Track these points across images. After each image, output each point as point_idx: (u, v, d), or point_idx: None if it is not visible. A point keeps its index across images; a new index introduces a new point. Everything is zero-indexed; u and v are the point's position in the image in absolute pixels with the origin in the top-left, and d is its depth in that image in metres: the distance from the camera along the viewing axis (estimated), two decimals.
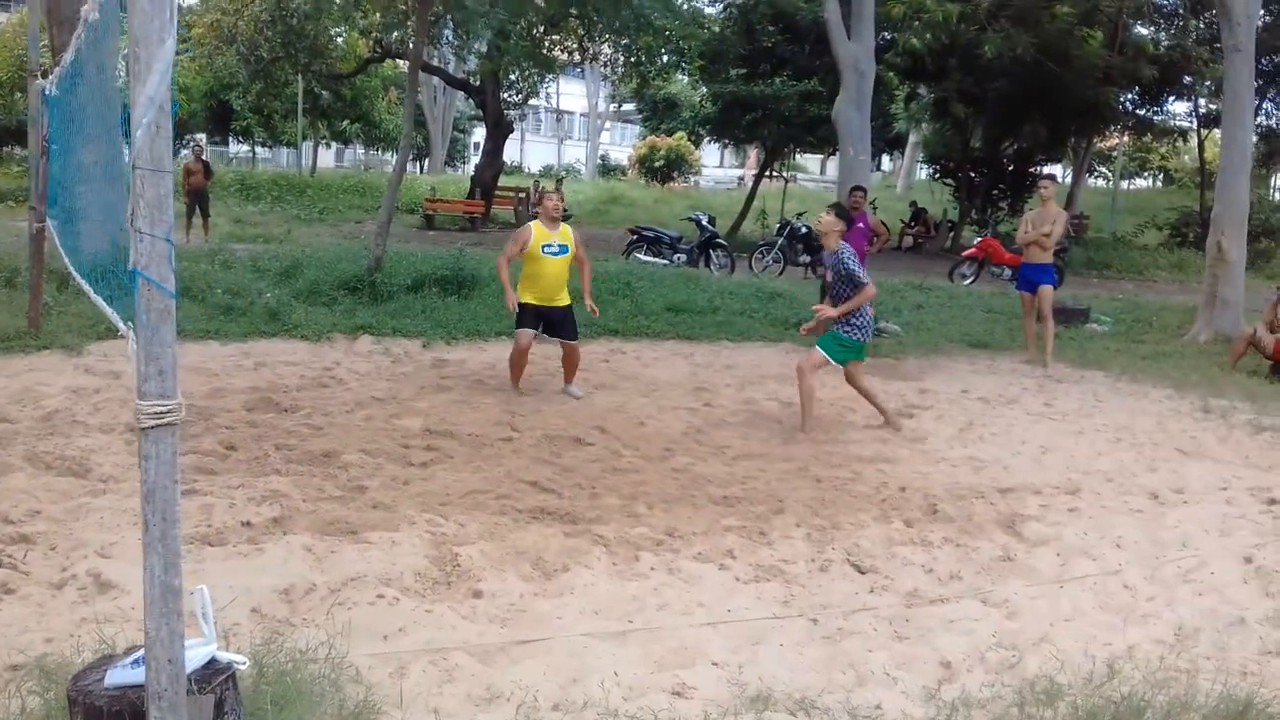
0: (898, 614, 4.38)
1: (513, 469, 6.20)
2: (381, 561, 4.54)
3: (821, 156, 39.11)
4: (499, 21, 12.29)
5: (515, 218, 26.44)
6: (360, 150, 49.86)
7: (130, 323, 3.19)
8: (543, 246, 8.07)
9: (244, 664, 2.57)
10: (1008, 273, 18.45)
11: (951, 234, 26.87)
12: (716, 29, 24.04)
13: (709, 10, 23.11)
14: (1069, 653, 4.02)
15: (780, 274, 18.74)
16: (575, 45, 21.17)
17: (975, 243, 20.57)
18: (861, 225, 11.02)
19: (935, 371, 10.20)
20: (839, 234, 7.46)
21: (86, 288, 5.67)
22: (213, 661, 2.48)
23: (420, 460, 6.34)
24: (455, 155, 50.44)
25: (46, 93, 8.71)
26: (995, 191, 27.00)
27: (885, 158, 43.50)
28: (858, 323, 7.42)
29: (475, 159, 35.53)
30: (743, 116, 24.52)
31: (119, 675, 2.42)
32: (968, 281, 19.14)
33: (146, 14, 2.10)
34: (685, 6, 17.30)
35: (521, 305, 8.14)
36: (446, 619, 4.03)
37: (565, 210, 26.64)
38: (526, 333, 8.18)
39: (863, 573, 4.85)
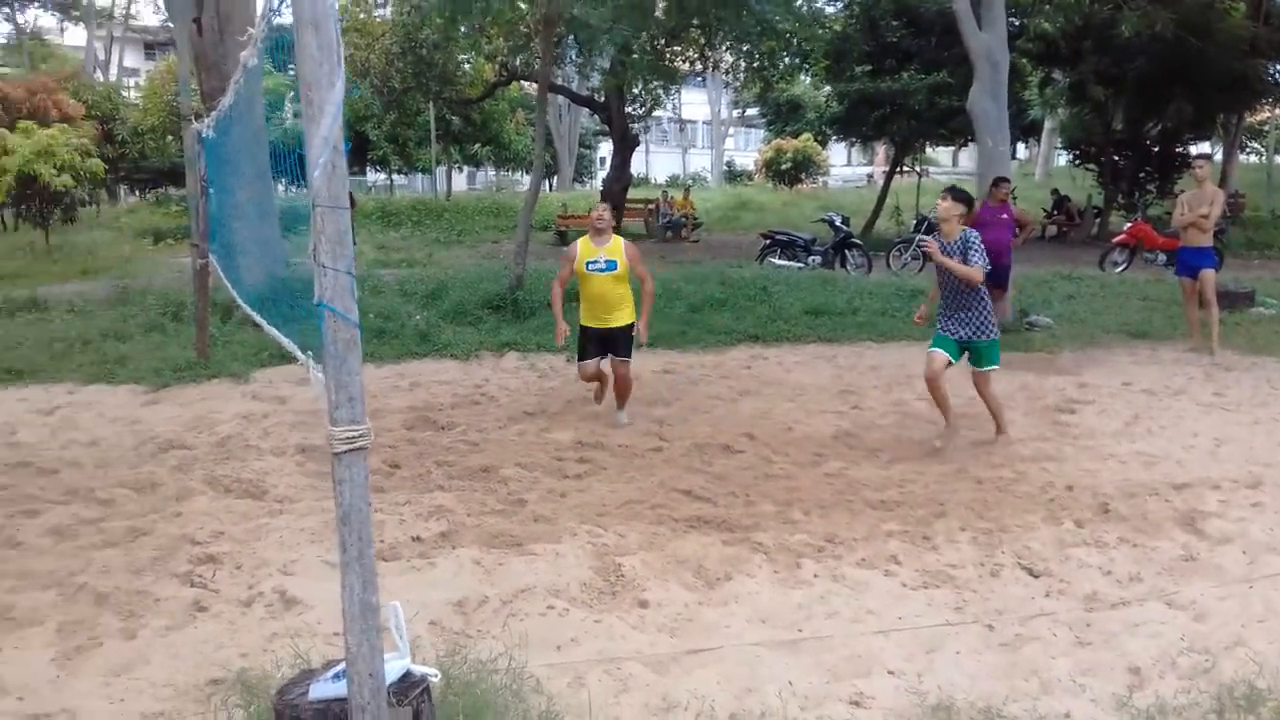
0: (1077, 618, 4.22)
1: (665, 478, 6.22)
2: (548, 573, 4.62)
3: (953, 148, 38.09)
4: (622, 37, 12.37)
5: (646, 229, 26.59)
6: (491, 172, 50.97)
7: (309, 352, 3.34)
8: (587, 264, 7.36)
9: (436, 676, 2.64)
10: (1162, 258, 17.60)
11: (1098, 220, 25.80)
12: (838, 28, 23.72)
13: (829, 10, 22.80)
14: (1266, 655, 3.81)
15: (920, 270, 18.31)
16: (696, 55, 21.20)
17: (1125, 229, 19.65)
18: (1006, 216, 10.70)
19: (1093, 364, 9.80)
20: (960, 219, 6.80)
21: (261, 321, 5.94)
22: (407, 675, 2.56)
23: (575, 473, 6.43)
24: (582, 171, 51.16)
25: (203, 136, 9.17)
26: (1141, 174, 25.82)
27: (1020, 145, 42.12)
28: (993, 320, 6.98)
29: (602, 173, 35.91)
30: (870, 113, 24.12)
31: (321, 689, 2.52)
32: (1120, 269, 18.32)
33: (315, 60, 2.18)
34: (805, 8, 17.08)
35: (582, 329, 7.61)
36: (616, 629, 4.07)
37: (695, 219, 26.84)
38: (585, 367, 7.68)
39: (1036, 576, 4.69)
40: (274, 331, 4.71)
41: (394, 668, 2.50)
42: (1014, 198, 11.50)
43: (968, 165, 42.71)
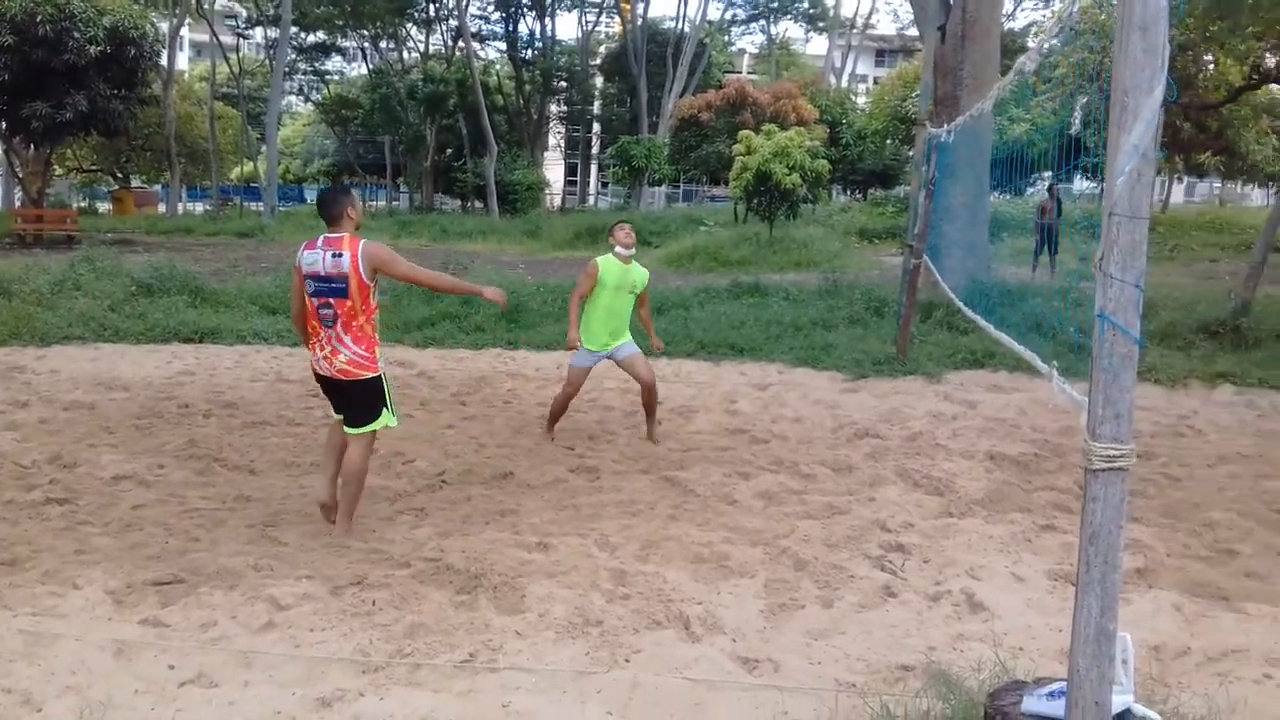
0: None
1: None
2: (1263, 637, 4.09)
3: None
4: None
5: None
6: (1216, 183, 46.13)
7: (1054, 363, 3.29)
8: None
9: None
10: None
11: None
12: None
13: None
14: None
15: None
16: None
17: None
18: None
19: None
20: None
21: (986, 325, 6.00)
22: (1127, 713, 2.43)
23: None
24: None
25: (939, 140, 9.49)
26: None
27: None
28: None
29: None
30: None
31: (1035, 704, 2.49)
32: None
33: (1139, 63, 2.11)
34: None
35: None
36: None
37: None
38: None
39: None
40: (1003, 336, 4.72)
41: (1116, 701, 2.39)
42: None
43: None
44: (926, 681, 3.43)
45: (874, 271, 17.81)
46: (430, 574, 4.61)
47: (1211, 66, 22.19)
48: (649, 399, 7.29)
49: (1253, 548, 5.27)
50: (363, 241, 5.05)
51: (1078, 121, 2.71)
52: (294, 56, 45.69)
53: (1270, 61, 19.65)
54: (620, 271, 7.09)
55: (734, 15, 53.03)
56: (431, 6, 44.79)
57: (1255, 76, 21.50)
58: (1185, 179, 44.38)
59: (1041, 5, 41.29)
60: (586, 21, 49.45)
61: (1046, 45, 3.27)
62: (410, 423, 7.70)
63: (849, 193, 42.53)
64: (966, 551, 5.07)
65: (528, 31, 47.76)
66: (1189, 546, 5.26)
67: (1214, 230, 27.54)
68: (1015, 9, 45.25)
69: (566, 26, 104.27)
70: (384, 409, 5.17)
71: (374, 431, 5.20)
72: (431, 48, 48.59)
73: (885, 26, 57.60)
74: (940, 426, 7.85)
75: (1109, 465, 2.17)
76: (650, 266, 8.50)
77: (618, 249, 7.10)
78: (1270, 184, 35.46)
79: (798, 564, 4.85)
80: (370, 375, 5.10)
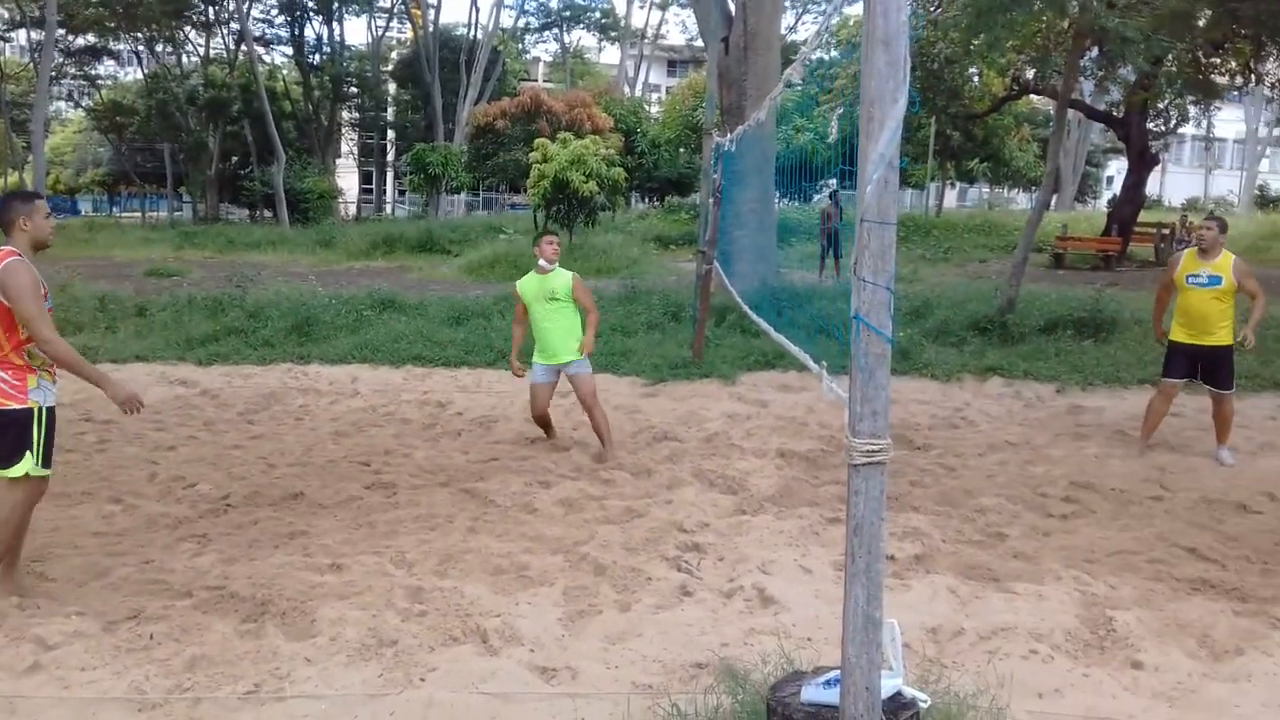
0: None
1: (1165, 531, 5.68)
2: (1029, 614, 4.38)
3: None
4: (1160, 49, 11.36)
5: (1155, 256, 24.38)
6: (985, 188, 49.40)
7: (824, 362, 3.43)
8: (1188, 277, 7.23)
9: (926, 702, 2.60)
10: None
11: None
12: None
13: None
14: None
15: None
16: (1240, 67, 18.98)
17: None
18: None
19: None
20: None
21: (768, 328, 6.21)
22: (898, 695, 2.55)
23: (1060, 512, 6.06)
24: (1085, 190, 47.87)
25: (723, 149, 9.77)
26: None
27: None
28: None
29: (1108, 193, 33.37)
30: None
31: (812, 693, 2.58)
32: None
33: (882, 75, 2.22)
34: None
35: (1172, 344, 7.43)
36: (1106, 686, 3.77)
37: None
38: (1171, 384, 7.49)
39: None
40: (783, 340, 4.90)
41: (886, 685, 2.51)
42: None
43: None
44: (716, 678, 3.51)
45: (671, 277, 18.16)
46: (213, 603, 4.40)
47: (977, 79, 23.72)
48: (589, 418, 7.33)
49: (1020, 530, 5.65)
50: (8, 260, 4.22)
51: (835, 131, 2.84)
52: (61, 60, 42.64)
53: (1029, 74, 21.15)
54: (538, 282, 7.28)
55: (527, 23, 53.09)
56: (211, 9, 42.76)
57: (1015, 87, 23.14)
58: (957, 185, 47.30)
59: (822, 19, 43.14)
60: (376, 27, 48.35)
61: (812, 58, 3.40)
62: (193, 445, 7.33)
63: (646, 200, 43.23)
64: (758, 547, 5.22)
65: (314, 36, 46.29)
66: (963, 532, 5.59)
67: (984, 233, 29.38)
68: (797, 22, 47.20)
69: (356, 31, 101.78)
70: (27, 452, 4.29)
71: (20, 479, 4.32)
72: (213, 52, 46.35)
73: (675, 37, 58.75)
74: (735, 427, 8.06)
75: (869, 460, 2.27)
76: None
77: (541, 262, 7.27)
78: (1032, 188, 38.21)
79: (597, 569, 4.88)
80: (16, 407, 4.28)
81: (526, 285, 7.34)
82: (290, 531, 5.48)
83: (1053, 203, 40.76)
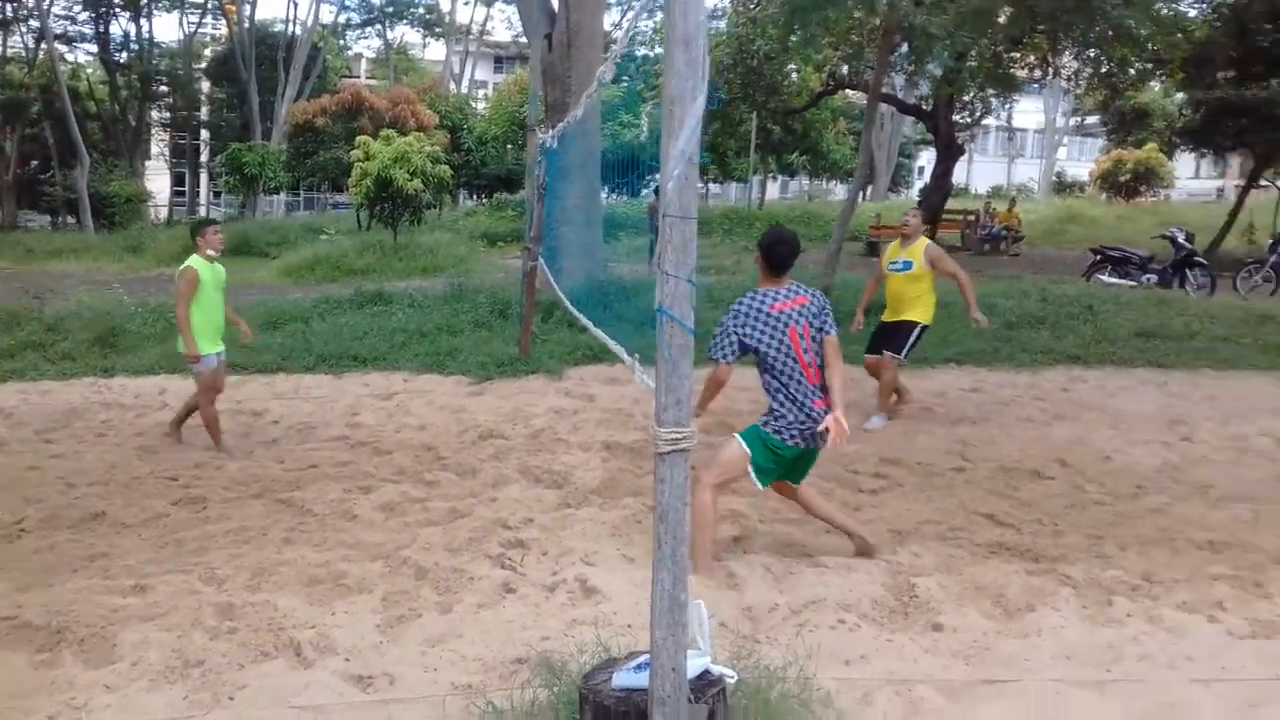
0: None
1: (966, 500, 6.02)
2: (839, 586, 4.55)
3: None
4: (963, 44, 11.93)
5: (962, 241, 25.65)
6: (805, 181, 50.90)
7: (636, 355, 3.45)
8: (889, 264, 7.91)
9: (733, 678, 2.65)
10: None
11: None
12: (1200, 33, 21.74)
13: (1191, 13, 20.91)
14: None
15: (1272, 294, 16.65)
16: (1038, 61, 20.15)
17: None
18: None
19: None
20: None
21: (588, 323, 6.22)
22: (706, 673, 2.59)
23: (870, 487, 6.33)
24: (899, 180, 49.98)
25: (546, 145, 9.72)
26: None
27: None
28: None
29: (920, 183, 34.91)
30: (1230, 123, 22.12)
31: (623, 678, 2.60)
32: None
33: (682, 75, 2.24)
34: (1168, 12, 15.70)
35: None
36: (908, 650, 3.95)
37: (1017, 232, 25.54)
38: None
39: None
40: (600, 333, 4.91)
41: (694, 665, 2.54)
42: None
43: None
44: (533, 672, 3.50)
45: (499, 274, 18.01)
46: (4, 635, 4.11)
47: (795, 75, 24.36)
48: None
49: (832, 506, 5.83)
50: None
51: (646, 128, 2.85)
52: None
53: (844, 69, 21.84)
54: (211, 271, 7.31)
55: (348, 19, 51.63)
56: (8, 6, 39.87)
57: (831, 83, 23.83)
58: (779, 178, 48.55)
59: (646, 16, 43.62)
60: (189, 23, 46.08)
61: (637, 55, 3.40)
62: None
63: (475, 197, 42.72)
64: (582, 539, 5.24)
65: (121, 33, 43.78)
66: (778, 511, 5.73)
67: (804, 223, 30.19)
68: (621, 19, 47.51)
69: (167, 28, 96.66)
70: None
71: None
72: (10, 50, 43.24)
73: (501, 33, 58.32)
74: (561, 422, 8.05)
75: (673, 448, 2.29)
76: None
77: (209, 250, 7.30)
78: (849, 180, 39.60)
79: (419, 573, 4.79)
80: None
81: (204, 270, 7.28)
82: (90, 554, 5.17)
83: (868, 193, 42.45)
